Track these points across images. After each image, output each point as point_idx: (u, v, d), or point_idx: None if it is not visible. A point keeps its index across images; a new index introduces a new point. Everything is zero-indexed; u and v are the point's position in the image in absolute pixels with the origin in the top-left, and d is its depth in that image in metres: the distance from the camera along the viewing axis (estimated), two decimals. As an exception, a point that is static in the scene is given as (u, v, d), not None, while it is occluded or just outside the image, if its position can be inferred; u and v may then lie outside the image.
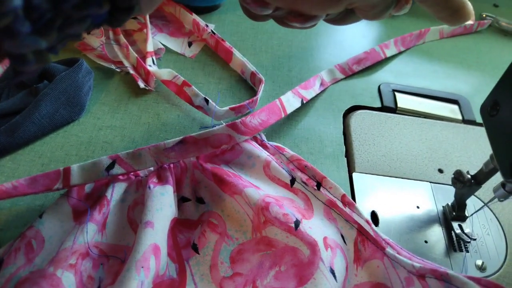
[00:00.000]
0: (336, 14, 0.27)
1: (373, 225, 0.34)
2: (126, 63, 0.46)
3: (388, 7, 0.25)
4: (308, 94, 0.46)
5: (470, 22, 0.26)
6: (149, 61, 0.46)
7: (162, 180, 0.35)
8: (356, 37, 0.58)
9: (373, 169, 0.43)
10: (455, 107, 0.52)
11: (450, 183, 0.44)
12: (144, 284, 0.28)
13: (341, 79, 0.51)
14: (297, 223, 0.32)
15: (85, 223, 0.31)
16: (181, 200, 0.36)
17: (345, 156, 0.43)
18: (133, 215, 0.34)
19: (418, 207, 0.41)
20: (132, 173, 0.35)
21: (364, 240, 0.34)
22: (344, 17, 0.28)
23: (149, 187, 0.33)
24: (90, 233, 0.31)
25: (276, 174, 0.38)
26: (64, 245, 0.30)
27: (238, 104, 0.42)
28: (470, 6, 0.25)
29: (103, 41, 0.46)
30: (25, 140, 0.38)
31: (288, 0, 0.24)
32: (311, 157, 0.42)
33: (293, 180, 0.37)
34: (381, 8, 0.25)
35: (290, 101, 0.43)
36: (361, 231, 0.35)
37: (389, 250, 0.33)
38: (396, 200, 0.41)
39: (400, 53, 0.57)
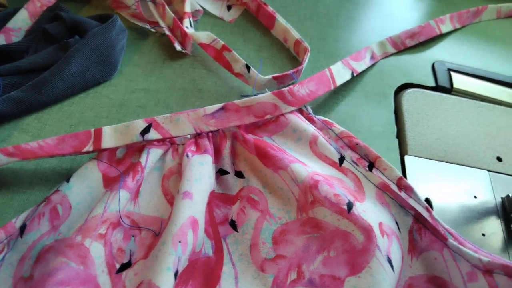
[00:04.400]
0: None
1: (433, 213, 0.30)
2: (161, 23, 0.42)
3: None
4: (359, 67, 0.42)
5: None
6: (186, 22, 0.42)
7: (200, 149, 0.32)
8: (406, 10, 0.54)
9: (427, 152, 0.39)
10: (515, 91, 0.48)
11: (511, 172, 0.40)
12: (181, 260, 0.25)
13: (392, 54, 0.46)
14: (350, 205, 0.29)
15: (117, 190, 0.28)
16: (218, 173, 0.33)
17: (397, 137, 0.40)
18: (168, 185, 0.31)
19: (475, 197, 0.37)
20: (167, 140, 0.32)
21: (420, 228, 0.31)
22: None
23: (187, 155, 0.30)
24: (122, 201, 0.28)
25: (324, 151, 0.34)
26: (94, 213, 0.27)
27: (281, 73, 0.39)
28: None
29: (138, -2, 0.43)
30: (53, 97, 0.35)
31: None
32: (358, 136, 0.38)
33: (342, 159, 0.34)
34: None
35: (340, 72, 0.39)
36: (418, 218, 0.31)
37: (451, 241, 0.29)
38: (451, 188, 0.37)
39: (455, 30, 0.52)
